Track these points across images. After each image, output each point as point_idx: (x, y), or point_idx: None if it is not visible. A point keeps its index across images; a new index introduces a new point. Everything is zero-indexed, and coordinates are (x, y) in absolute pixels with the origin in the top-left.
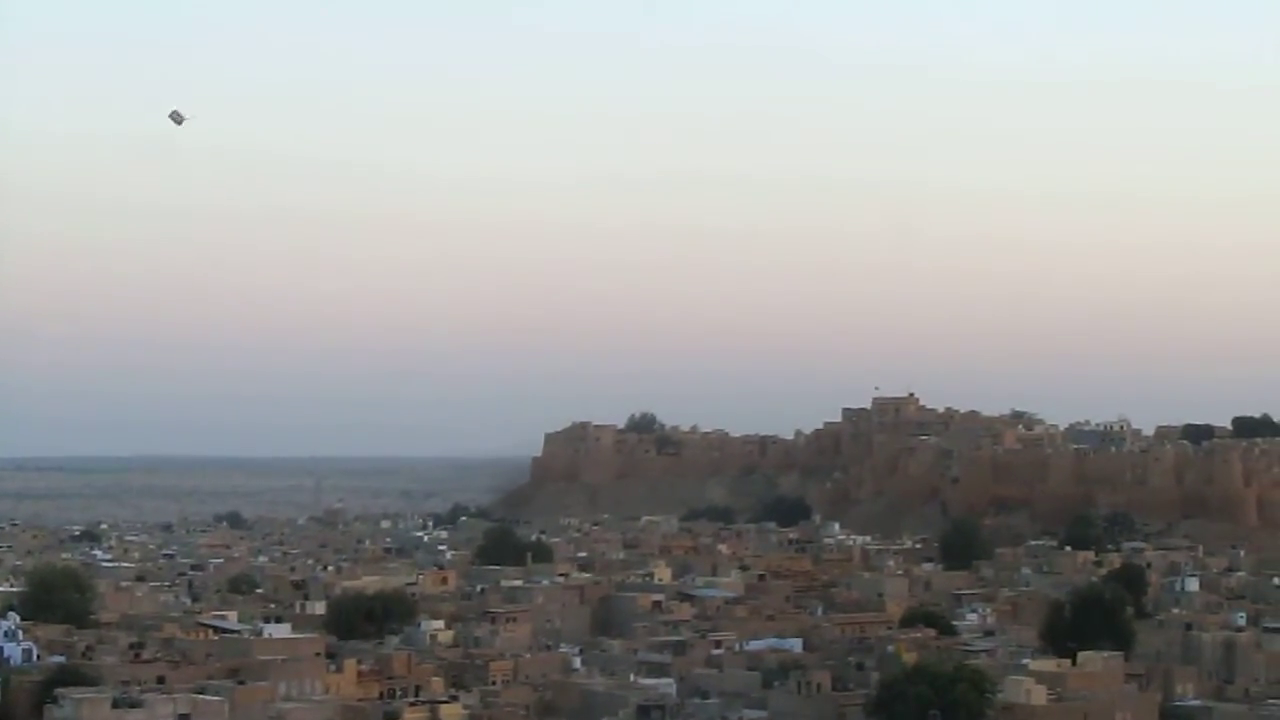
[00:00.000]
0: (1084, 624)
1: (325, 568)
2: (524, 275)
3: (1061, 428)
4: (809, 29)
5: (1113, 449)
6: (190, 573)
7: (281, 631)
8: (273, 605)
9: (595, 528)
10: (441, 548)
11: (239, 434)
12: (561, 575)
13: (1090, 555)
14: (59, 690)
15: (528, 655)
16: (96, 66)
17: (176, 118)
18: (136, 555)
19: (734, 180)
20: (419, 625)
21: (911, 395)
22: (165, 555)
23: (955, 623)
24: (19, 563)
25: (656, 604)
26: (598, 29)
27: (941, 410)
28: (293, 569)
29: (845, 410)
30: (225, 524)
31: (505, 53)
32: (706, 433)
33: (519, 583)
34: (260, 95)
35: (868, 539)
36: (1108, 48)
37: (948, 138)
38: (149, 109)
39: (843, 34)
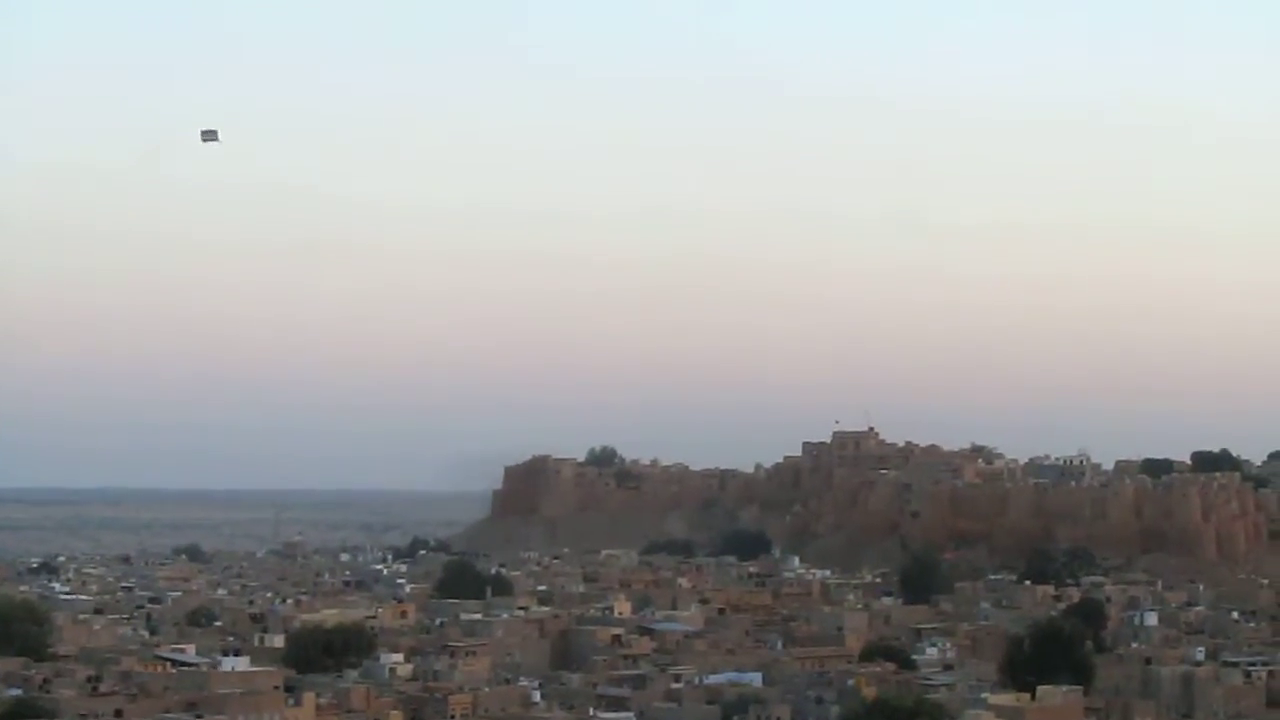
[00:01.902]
0: (1043, 658)
1: (284, 601)
2: (484, 308)
3: (1021, 462)
4: (766, 59)
5: (1072, 483)
6: (148, 605)
7: (240, 665)
8: (231, 638)
9: (555, 561)
10: (401, 581)
11: (198, 466)
12: (521, 609)
13: (1050, 589)
14: None
15: (487, 689)
16: (65, 96)
17: (208, 136)
18: (94, 588)
19: (694, 213)
20: (378, 659)
21: (871, 429)
22: (124, 588)
23: (915, 657)
24: None
25: (616, 638)
26: (558, 62)
27: (901, 444)
28: (251, 602)
29: (805, 444)
30: (184, 557)
31: (476, 85)
32: (667, 466)
33: (478, 616)
34: (230, 123)
35: (827, 573)
36: (1074, 79)
37: (907, 170)
38: (119, 136)
39: (802, 64)
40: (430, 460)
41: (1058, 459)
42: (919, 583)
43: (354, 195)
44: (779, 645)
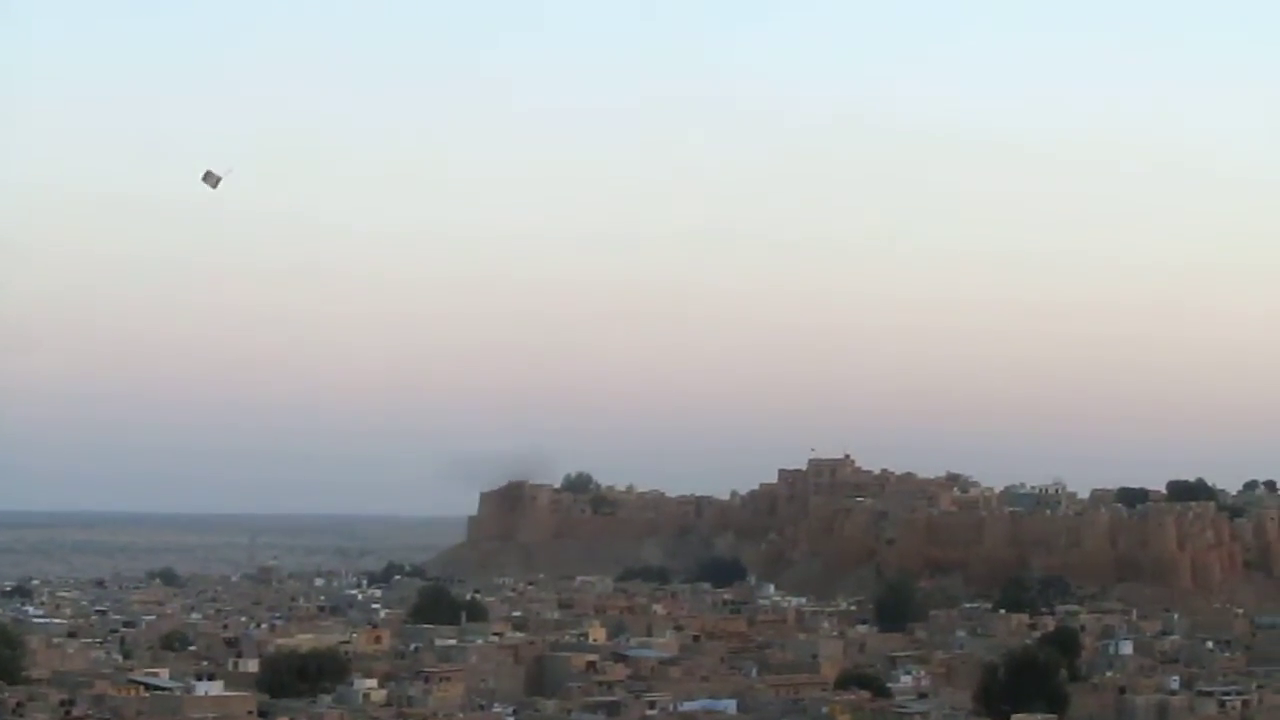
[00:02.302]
0: (1018, 687)
1: (258, 625)
2: (460, 334)
3: (997, 490)
4: (751, 85)
5: (1047, 512)
6: (122, 629)
7: (214, 689)
8: (205, 663)
9: (530, 587)
10: (375, 606)
11: (173, 490)
12: (496, 634)
13: (1025, 618)
14: None
15: (461, 715)
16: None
17: (211, 179)
18: (68, 611)
19: (670, 239)
20: (352, 684)
21: (847, 457)
22: (97, 611)
23: (890, 685)
24: None
25: (591, 664)
26: (538, 94)
27: (877, 472)
28: (225, 626)
29: (781, 471)
30: (158, 580)
31: (453, 115)
32: (642, 493)
33: (453, 642)
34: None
35: (803, 600)
36: (1033, 108)
37: (883, 196)
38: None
39: (783, 90)
40: (406, 485)
41: (1033, 487)
42: (894, 610)
43: (328, 220)
44: (754, 672)
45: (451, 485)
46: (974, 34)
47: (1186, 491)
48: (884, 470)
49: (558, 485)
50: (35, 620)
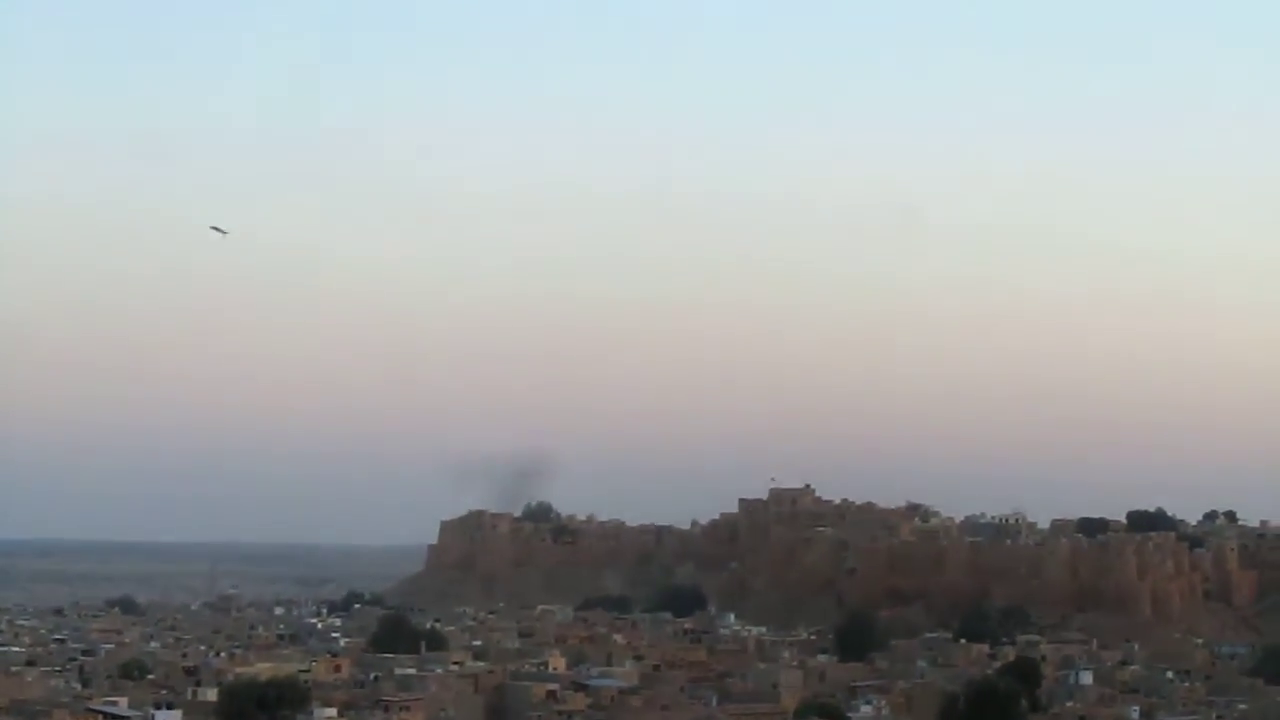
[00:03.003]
0: (978, 716)
1: (218, 654)
2: (418, 361)
3: (957, 520)
4: (701, 113)
5: (1008, 542)
6: (81, 658)
7: (173, 718)
8: (164, 691)
9: (490, 616)
10: (335, 635)
11: (133, 518)
12: (456, 664)
13: (985, 648)
14: None
15: None
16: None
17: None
18: (27, 639)
19: (630, 267)
20: (311, 713)
21: (808, 487)
22: (56, 640)
23: (850, 714)
24: None
25: (551, 693)
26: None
27: (838, 502)
28: (185, 655)
29: (742, 501)
30: (117, 609)
31: (405, 135)
32: (603, 522)
33: (413, 671)
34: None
35: (763, 629)
36: (973, 144)
37: (838, 227)
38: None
39: (733, 114)
40: (366, 514)
41: (993, 517)
42: (854, 640)
43: (291, 245)
44: (714, 702)
45: (456, 487)
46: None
47: (1146, 522)
48: (844, 500)
49: (518, 514)
50: None
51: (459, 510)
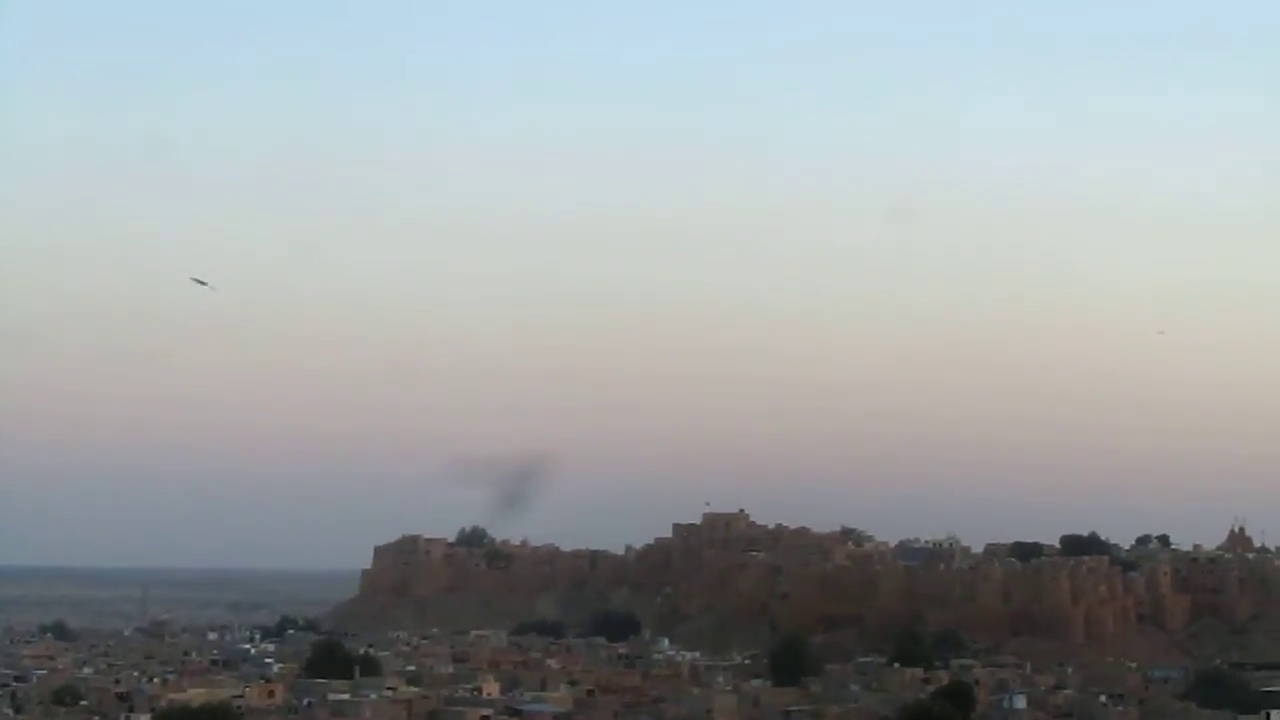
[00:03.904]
0: None
1: (151, 679)
2: (353, 386)
3: (891, 545)
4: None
5: (941, 566)
6: (13, 684)
7: None
8: (97, 718)
9: (424, 641)
10: (269, 660)
11: (65, 543)
12: (389, 689)
13: (919, 672)
14: None
15: None
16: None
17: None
18: None
19: (560, 293)
20: None
21: (741, 511)
22: None
23: None
24: None
25: (485, 718)
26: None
27: (771, 526)
28: (118, 681)
29: (675, 526)
30: (50, 635)
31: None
32: (537, 547)
33: (346, 696)
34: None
35: (697, 654)
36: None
37: (768, 253)
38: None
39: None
40: (300, 539)
41: (927, 542)
42: (788, 665)
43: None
44: None
45: (454, 487)
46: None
47: (1080, 546)
48: (778, 525)
49: (452, 539)
50: None
51: (393, 535)
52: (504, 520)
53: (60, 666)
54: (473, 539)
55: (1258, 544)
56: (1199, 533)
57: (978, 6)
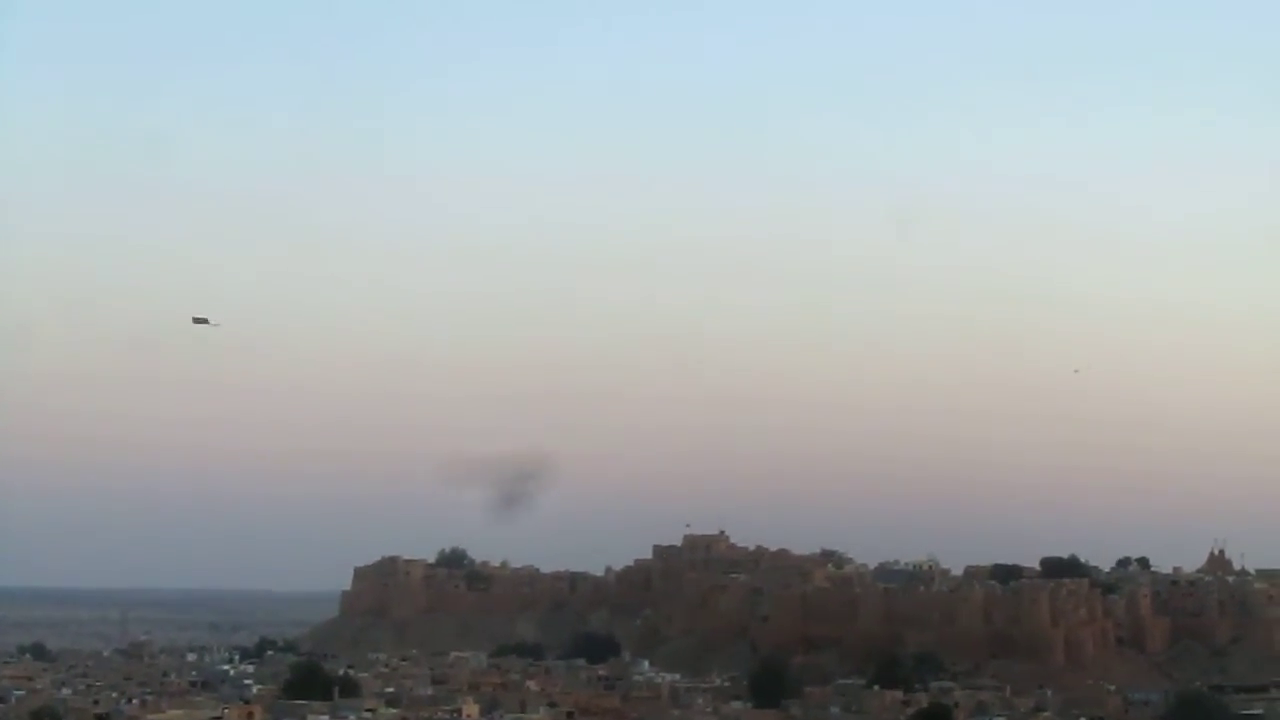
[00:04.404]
0: None
1: (129, 700)
2: (333, 407)
3: (871, 567)
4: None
5: (921, 588)
6: None
7: None
8: None
9: (403, 663)
10: (248, 682)
11: (44, 564)
12: (369, 711)
13: (899, 694)
14: None
15: None
16: None
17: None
18: None
19: (539, 312)
20: None
21: (722, 533)
22: None
23: None
24: None
25: None
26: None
27: (752, 548)
28: (96, 701)
29: (656, 547)
30: (29, 655)
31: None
32: (517, 568)
33: (325, 717)
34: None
35: (677, 676)
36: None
37: (742, 277)
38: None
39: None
40: (280, 560)
41: (907, 564)
42: (768, 687)
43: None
44: None
45: (454, 487)
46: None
47: (1060, 568)
48: (758, 547)
49: (432, 560)
50: None
51: (372, 556)
52: (503, 520)
53: (39, 687)
54: (452, 560)
55: (1238, 566)
56: (1179, 555)
57: (981, 22)
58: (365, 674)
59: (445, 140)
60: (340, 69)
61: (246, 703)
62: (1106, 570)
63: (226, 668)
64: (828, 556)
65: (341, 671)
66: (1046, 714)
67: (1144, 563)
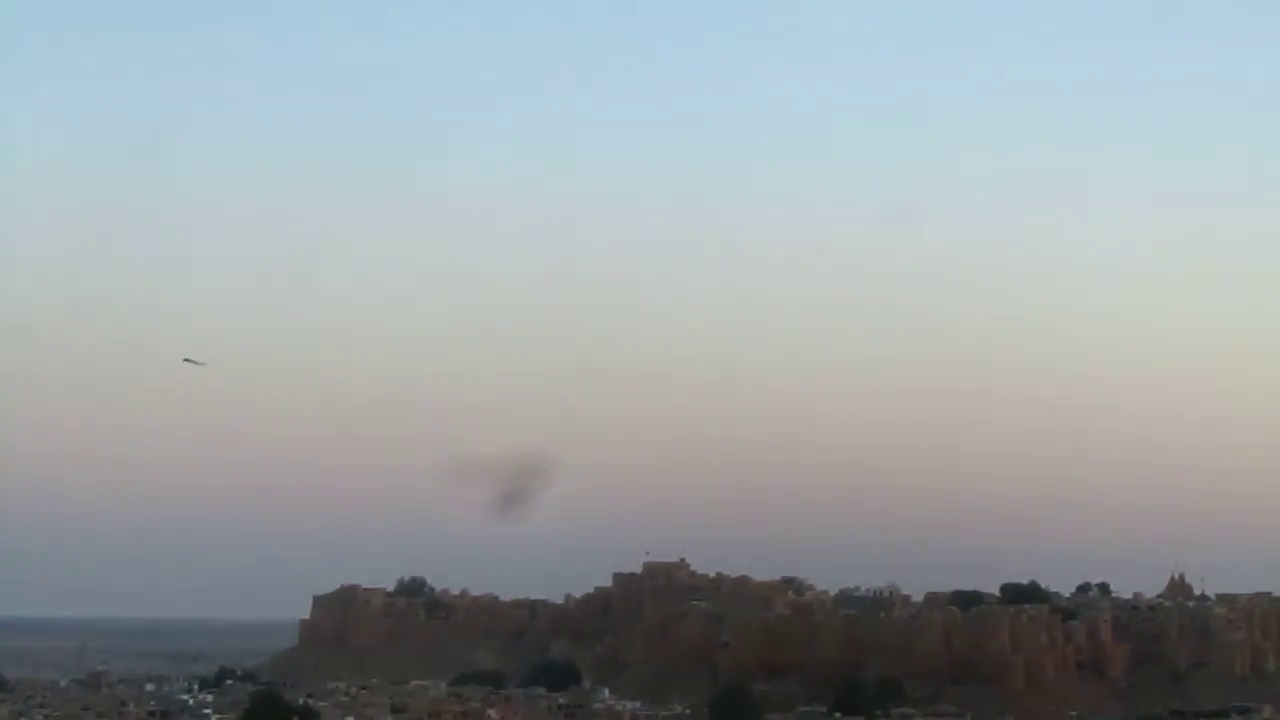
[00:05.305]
0: None
1: None
2: (289, 437)
3: (832, 593)
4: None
5: (882, 615)
6: None
7: None
8: None
9: (363, 691)
10: (207, 711)
11: (1, 593)
12: None
13: None
14: None
15: None
16: None
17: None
18: None
19: (500, 335)
20: None
21: (682, 560)
22: None
23: None
24: None
25: None
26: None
27: (712, 575)
28: None
29: (616, 575)
30: None
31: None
32: (476, 596)
33: None
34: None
35: (638, 704)
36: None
37: (701, 302)
38: None
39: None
40: (238, 589)
41: (868, 590)
42: (729, 714)
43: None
44: None
45: (453, 486)
46: None
47: (1020, 594)
48: (719, 574)
49: (391, 588)
50: None
51: (332, 584)
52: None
53: None
54: (412, 588)
55: (1198, 592)
56: (1139, 581)
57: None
58: (325, 703)
59: (445, 140)
60: (341, 73)
61: None
62: (1067, 596)
63: (186, 697)
64: (788, 583)
65: (301, 701)
66: None
67: (1104, 588)
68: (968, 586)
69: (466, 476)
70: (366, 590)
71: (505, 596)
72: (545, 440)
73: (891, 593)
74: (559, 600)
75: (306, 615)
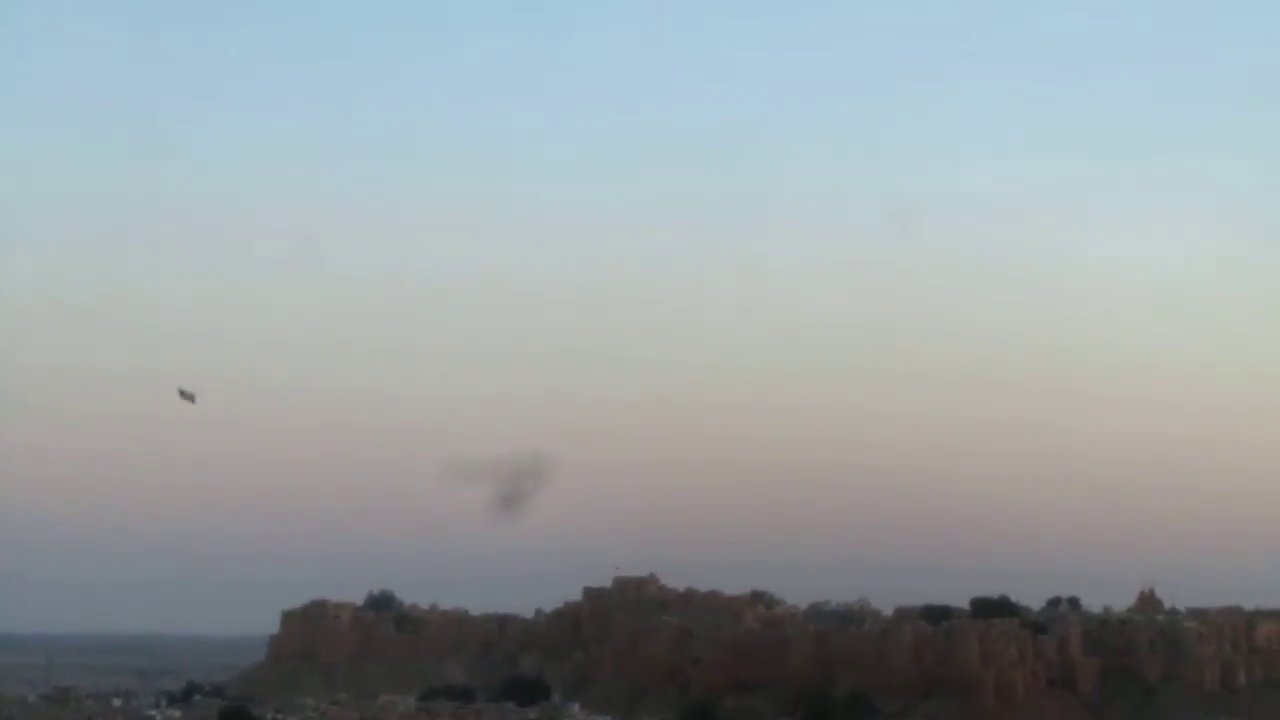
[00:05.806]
0: None
1: None
2: (259, 448)
3: (802, 608)
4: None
5: (852, 629)
6: None
7: None
8: None
9: (332, 706)
10: None
11: None
12: None
13: None
14: None
15: None
16: None
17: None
18: None
19: (470, 353)
20: None
21: (652, 575)
22: None
23: None
24: None
25: None
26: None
27: (682, 590)
28: None
29: (586, 589)
30: None
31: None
32: (445, 611)
33: None
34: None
35: (608, 719)
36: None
37: (673, 311)
38: None
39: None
40: (206, 603)
41: (838, 605)
42: None
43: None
44: None
45: (451, 487)
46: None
47: (990, 608)
48: (689, 588)
49: (360, 603)
50: None
51: (301, 599)
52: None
53: None
54: (381, 603)
55: (1168, 605)
56: (1109, 594)
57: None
58: (294, 718)
59: (445, 142)
60: (341, 74)
61: None
62: (1037, 610)
63: (153, 713)
64: (758, 597)
65: (270, 716)
66: None
67: (1074, 602)
68: (938, 600)
69: (448, 483)
70: (335, 605)
71: (475, 611)
72: (515, 456)
73: (862, 607)
74: (529, 615)
75: (275, 630)
